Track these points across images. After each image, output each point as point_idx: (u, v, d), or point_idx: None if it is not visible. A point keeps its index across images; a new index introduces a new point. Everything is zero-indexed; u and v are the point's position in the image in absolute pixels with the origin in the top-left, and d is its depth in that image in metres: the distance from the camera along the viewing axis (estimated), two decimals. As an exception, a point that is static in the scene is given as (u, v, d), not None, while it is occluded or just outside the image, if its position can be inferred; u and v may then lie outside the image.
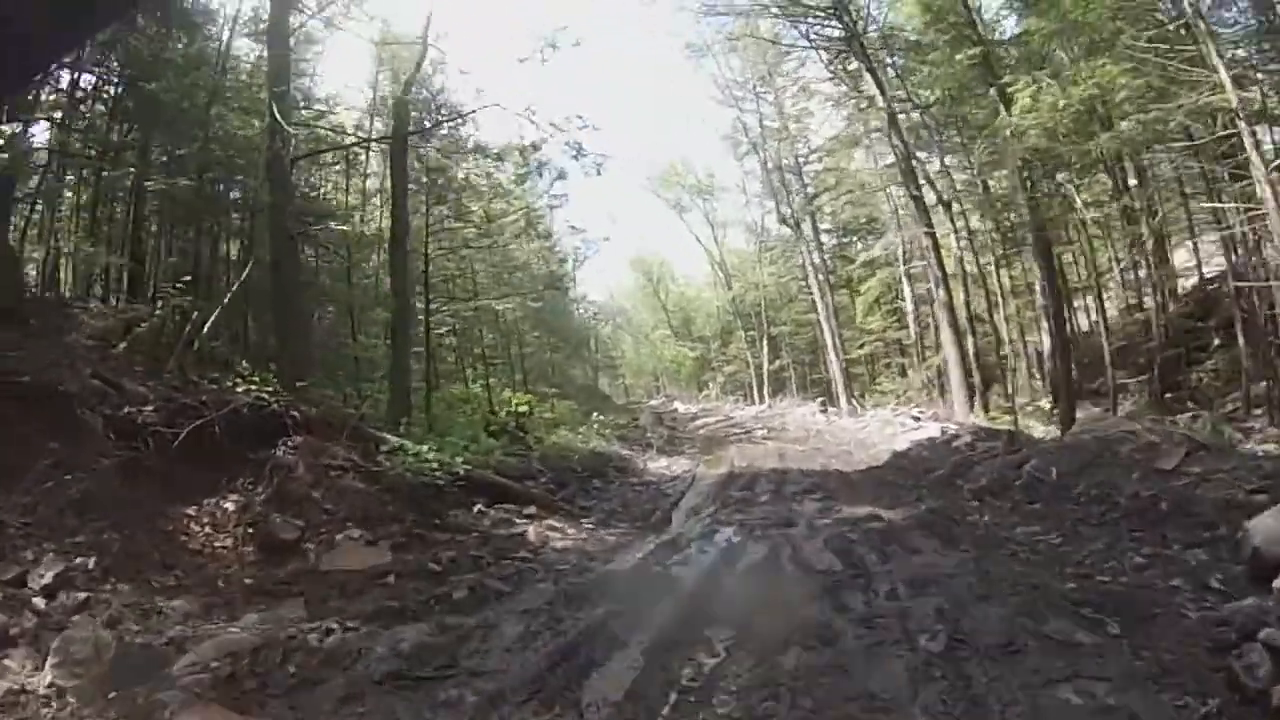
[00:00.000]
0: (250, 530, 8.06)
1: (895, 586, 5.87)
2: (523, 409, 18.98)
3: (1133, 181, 19.62)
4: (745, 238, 48.88)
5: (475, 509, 11.24)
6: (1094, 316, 21.10)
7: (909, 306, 32.64)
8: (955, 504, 10.27)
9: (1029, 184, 17.18)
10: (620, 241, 63.49)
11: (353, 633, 5.30)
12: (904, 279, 32.74)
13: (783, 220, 36.43)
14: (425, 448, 11.41)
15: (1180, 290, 20.96)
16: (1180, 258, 21.28)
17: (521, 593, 6.49)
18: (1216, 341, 17.82)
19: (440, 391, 17.74)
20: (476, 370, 32.22)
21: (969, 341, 22.00)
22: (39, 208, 15.98)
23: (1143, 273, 22.32)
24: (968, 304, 25.65)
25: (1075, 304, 23.72)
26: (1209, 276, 20.19)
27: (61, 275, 16.65)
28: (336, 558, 7.46)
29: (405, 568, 7.31)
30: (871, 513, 9.48)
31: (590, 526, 10.98)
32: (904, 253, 33.26)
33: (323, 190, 22.73)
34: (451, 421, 16.63)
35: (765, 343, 43.72)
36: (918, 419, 20.98)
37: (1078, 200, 17.79)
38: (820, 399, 31.80)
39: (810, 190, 38.23)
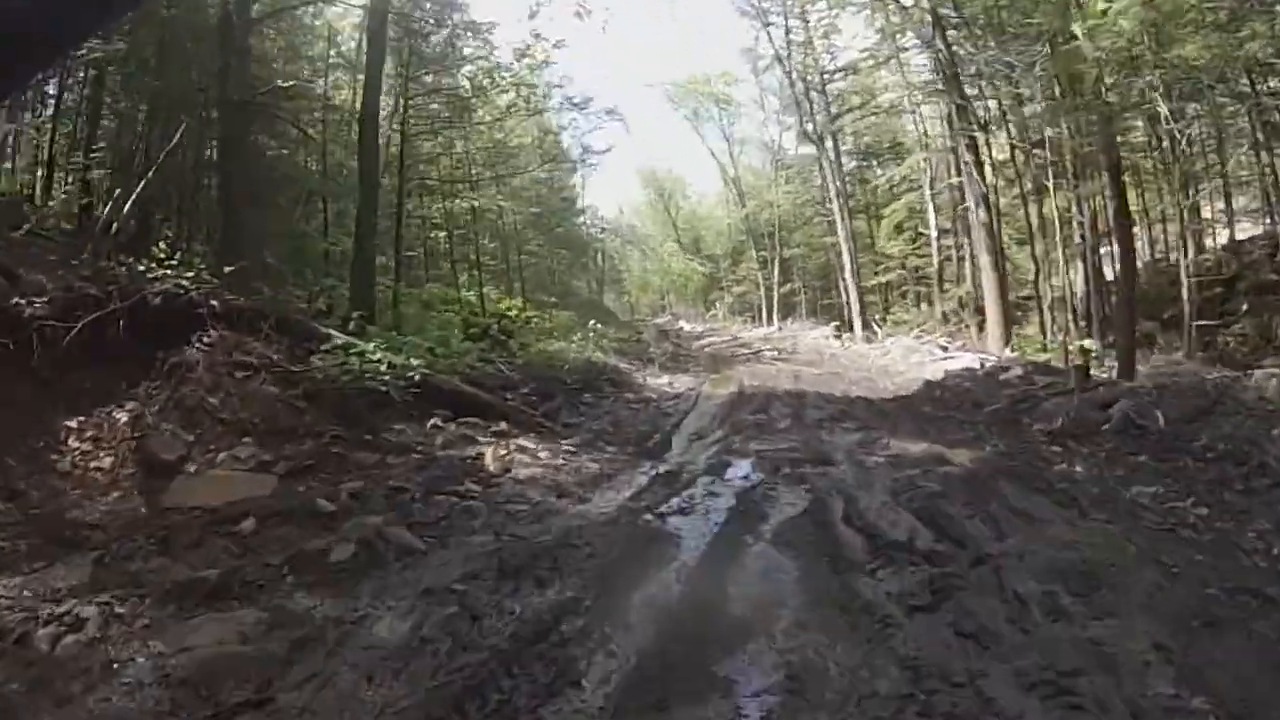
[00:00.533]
0: (134, 447, 5.91)
1: (1043, 585, 3.60)
2: (510, 312, 16.62)
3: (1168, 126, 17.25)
4: (761, 157, 45.80)
5: (430, 423, 9.15)
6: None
7: (933, 234, 30.01)
8: (1029, 447, 8.04)
9: (1103, 90, 14.41)
10: (632, 156, 60.43)
11: (124, 623, 3.06)
12: (929, 204, 30.08)
13: (805, 135, 33.38)
14: (372, 345, 9.20)
15: (1210, 249, 19.88)
16: (1208, 215, 20.56)
17: (440, 552, 4.31)
18: (1245, 306, 16.54)
19: (421, 290, 15.28)
20: (472, 276, 29.92)
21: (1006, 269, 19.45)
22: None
23: (1172, 226, 21.30)
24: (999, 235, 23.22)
25: (1102, 250, 21.72)
26: (1240, 239, 19.40)
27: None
28: (194, 487, 5.24)
29: (281, 506, 5.06)
30: (933, 451, 7.27)
31: (570, 450, 8.80)
32: (931, 177, 30.59)
33: (297, 66, 19.76)
34: (425, 322, 14.31)
35: (777, 264, 41.09)
36: (945, 348, 18.64)
37: (1163, 107, 15.07)
38: (834, 323, 29.41)
39: (833, 110, 35.16)
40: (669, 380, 16.68)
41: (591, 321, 19.41)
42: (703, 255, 51.11)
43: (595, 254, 46.97)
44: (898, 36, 28.57)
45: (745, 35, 37.87)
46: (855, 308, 28.10)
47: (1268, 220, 20.25)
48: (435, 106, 22.77)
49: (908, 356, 18.05)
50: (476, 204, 24.29)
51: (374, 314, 13.18)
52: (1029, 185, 24.21)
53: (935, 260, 29.49)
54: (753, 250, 43.09)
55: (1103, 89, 15.05)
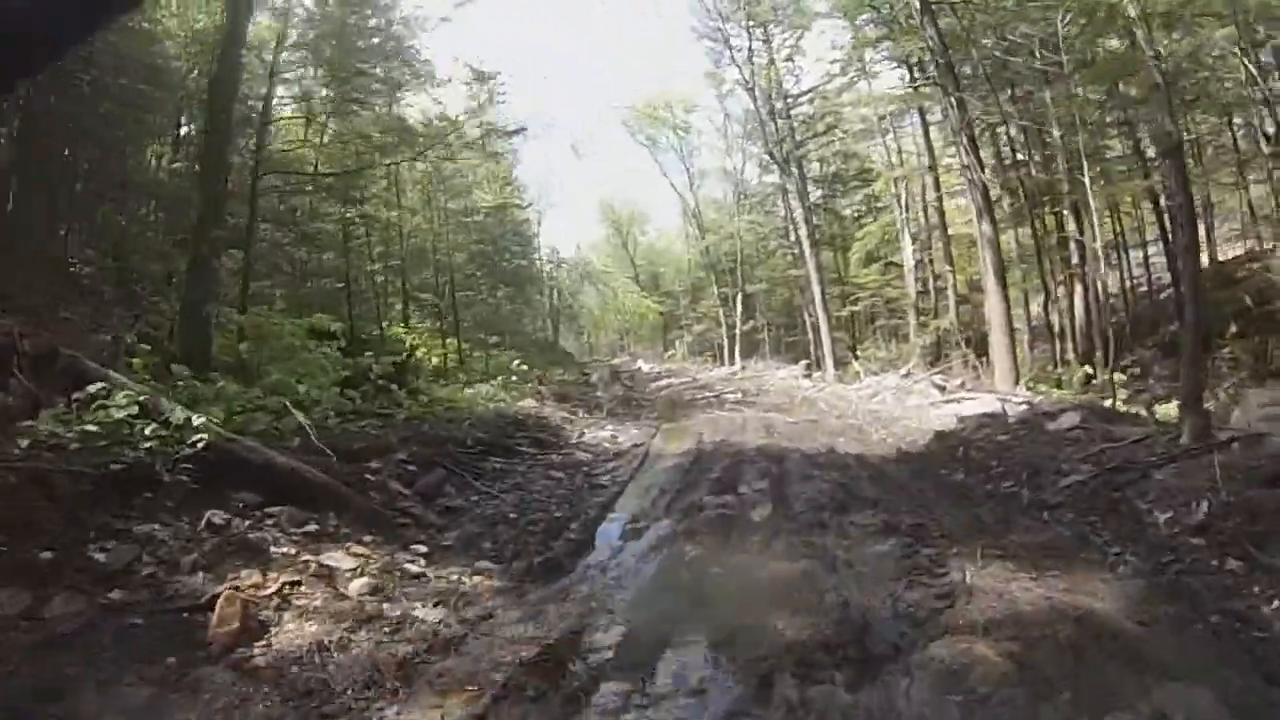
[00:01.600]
0: None
1: None
2: (409, 349, 13.00)
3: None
4: (723, 188, 42.87)
5: (206, 517, 5.49)
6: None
7: (908, 262, 26.99)
8: (1191, 570, 4.58)
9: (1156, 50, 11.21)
10: (592, 195, 57.37)
11: None
12: (904, 230, 27.09)
13: (771, 157, 30.34)
14: (135, 393, 5.73)
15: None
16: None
17: None
18: (1234, 328, 15.10)
19: (300, 321, 11.55)
20: (406, 311, 26.27)
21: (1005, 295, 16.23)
22: None
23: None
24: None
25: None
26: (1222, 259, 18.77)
27: None
28: None
29: None
30: (1065, 605, 3.74)
31: (415, 569, 5.25)
32: (905, 200, 27.69)
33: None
34: (296, 361, 10.64)
35: (739, 301, 37.89)
36: (943, 387, 15.32)
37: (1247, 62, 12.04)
38: (803, 362, 26.12)
39: (798, 136, 32.32)
40: (612, 433, 13.15)
41: (515, 361, 15.78)
42: (661, 292, 47.91)
43: (550, 292, 43.53)
44: (869, 52, 25.86)
45: (708, 60, 34.73)
46: (826, 343, 24.83)
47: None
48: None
49: (901, 399, 14.69)
50: (363, 209, 20.27)
51: (206, 349, 9.52)
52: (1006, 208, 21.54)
53: (911, 290, 26.40)
54: (714, 286, 39.98)
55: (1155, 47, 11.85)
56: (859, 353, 29.00)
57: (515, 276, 32.36)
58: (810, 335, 35.21)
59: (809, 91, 32.21)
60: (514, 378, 14.87)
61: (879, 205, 32.07)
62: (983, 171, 16.80)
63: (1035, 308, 23.44)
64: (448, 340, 23.90)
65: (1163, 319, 17.96)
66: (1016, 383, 14.84)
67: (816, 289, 25.28)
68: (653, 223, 52.74)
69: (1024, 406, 11.78)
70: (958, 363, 18.57)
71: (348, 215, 20.76)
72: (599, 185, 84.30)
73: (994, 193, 17.30)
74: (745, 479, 8.23)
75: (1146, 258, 21.81)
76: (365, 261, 23.88)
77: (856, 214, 33.86)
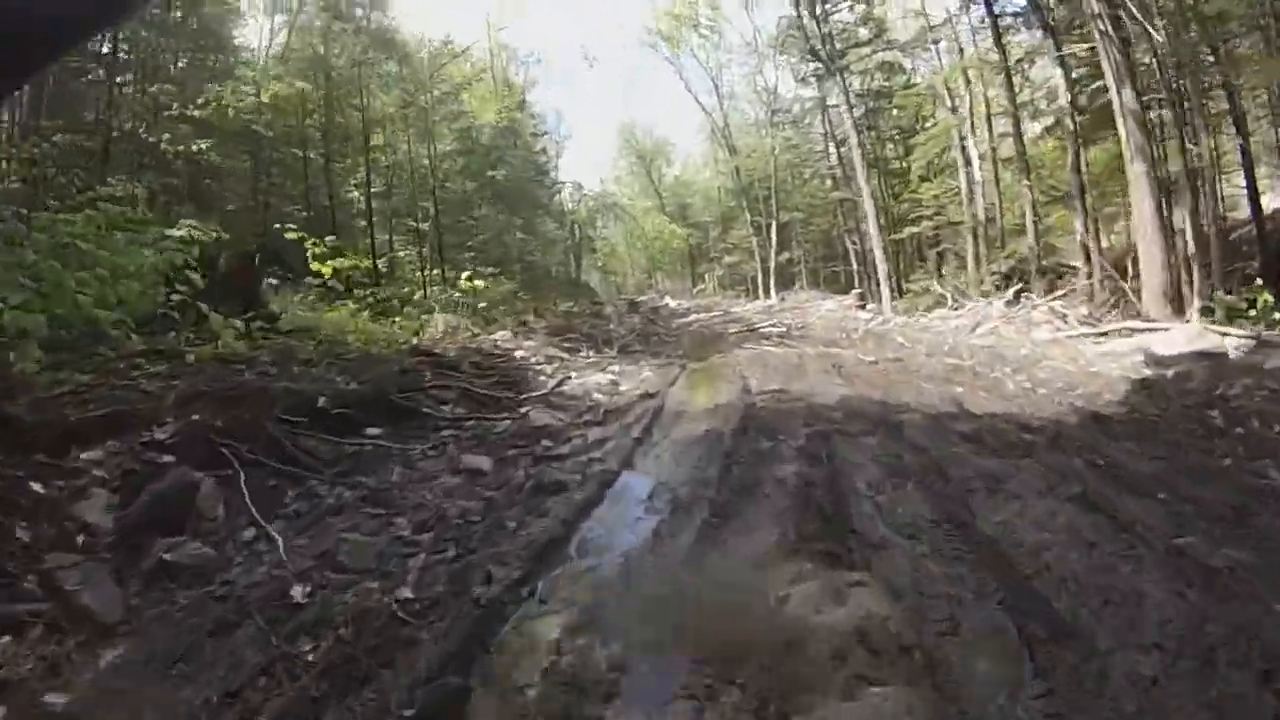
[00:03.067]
0: None
1: None
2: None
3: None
4: (753, 111, 37.43)
5: None
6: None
7: (975, 173, 21.95)
8: None
9: None
10: (611, 125, 51.74)
11: None
12: (968, 138, 21.96)
13: (813, 56, 25.07)
14: None
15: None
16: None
17: None
18: None
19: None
20: (391, 239, 22.01)
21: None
22: None
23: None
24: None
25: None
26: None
27: None
28: None
29: None
30: None
31: None
32: (970, 105, 22.47)
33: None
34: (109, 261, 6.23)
35: (774, 229, 33.02)
36: (1064, 316, 10.70)
37: None
38: (855, 291, 21.32)
39: (839, 45, 27.15)
40: (613, 378, 8.81)
41: (464, 276, 11.41)
42: (689, 224, 42.94)
43: (571, 225, 38.76)
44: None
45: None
46: (882, 270, 20.06)
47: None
48: None
49: (1024, 333, 10.06)
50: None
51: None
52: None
53: (978, 208, 21.43)
54: (746, 214, 34.99)
55: None
56: (908, 284, 24.42)
57: (519, 198, 27.68)
58: (856, 265, 30.53)
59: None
60: (482, 304, 10.44)
61: (929, 124, 27.10)
62: (1119, 24, 11.85)
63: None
64: (431, 270, 19.56)
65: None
66: (1180, 311, 10.18)
67: (870, 207, 20.38)
68: (678, 151, 47.47)
69: (1249, 341, 7.20)
70: (1085, 286, 13.66)
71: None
72: (621, 113, 78.01)
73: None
74: (853, 477, 3.86)
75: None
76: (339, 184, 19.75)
77: (902, 134, 28.77)
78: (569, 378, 8.40)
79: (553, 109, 38.29)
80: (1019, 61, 20.99)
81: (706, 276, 41.70)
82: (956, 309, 13.59)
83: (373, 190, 20.81)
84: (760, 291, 32.62)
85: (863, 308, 18.53)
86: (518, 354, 9.28)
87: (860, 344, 11.94)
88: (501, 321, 12.00)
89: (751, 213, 34.77)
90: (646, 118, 58.17)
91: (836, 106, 31.25)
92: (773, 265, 32.96)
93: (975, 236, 21.02)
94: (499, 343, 9.59)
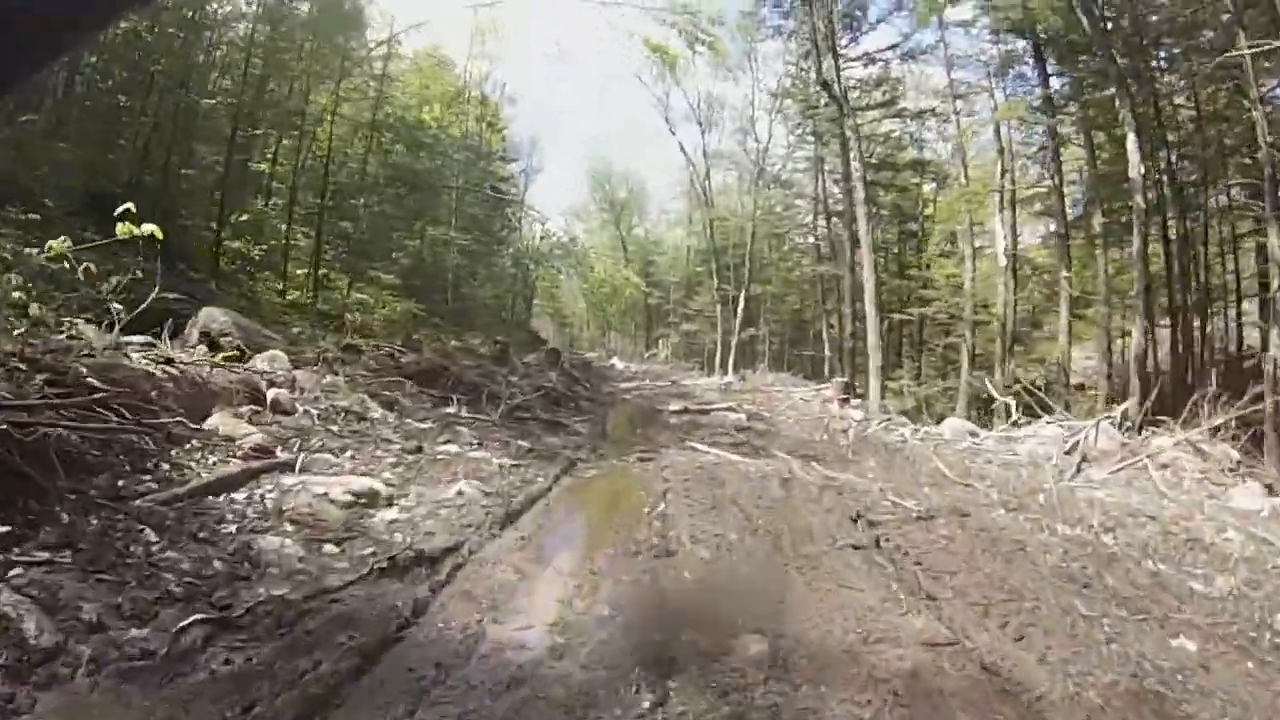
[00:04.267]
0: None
1: None
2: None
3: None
4: (739, 170, 33.11)
5: None
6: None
7: (1000, 249, 17.86)
8: None
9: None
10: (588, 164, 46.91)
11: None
12: (997, 207, 17.80)
13: (825, 88, 20.93)
14: None
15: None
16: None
17: None
18: None
19: None
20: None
21: None
22: None
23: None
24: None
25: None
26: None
27: None
28: None
29: None
30: None
31: None
32: (1002, 167, 18.37)
33: None
34: None
35: (742, 301, 28.76)
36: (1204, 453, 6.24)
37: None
38: (838, 380, 16.79)
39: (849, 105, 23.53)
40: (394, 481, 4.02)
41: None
42: (652, 283, 38.62)
43: (525, 263, 33.90)
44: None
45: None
46: (874, 359, 15.58)
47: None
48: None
49: (1196, 496, 5.49)
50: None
51: None
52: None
53: (1007, 291, 17.27)
54: (714, 279, 30.62)
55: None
56: (887, 382, 20.16)
57: (467, 218, 22.99)
58: (829, 352, 26.34)
59: (865, 55, 23.62)
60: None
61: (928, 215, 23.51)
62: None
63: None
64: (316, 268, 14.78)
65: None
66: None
67: (870, 279, 16.00)
68: (652, 206, 43.16)
69: None
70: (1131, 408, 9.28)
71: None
72: (597, 150, 72.87)
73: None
74: None
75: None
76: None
77: (899, 215, 25.11)
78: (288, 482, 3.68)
79: (528, 137, 33.74)
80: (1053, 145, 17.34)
81: (661, 342, 37.18)
82: (1014, 425, 9.07)
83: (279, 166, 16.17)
84: (717, 367, 28.13)
85: (846, 402, 14.05)
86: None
87: (860, 461, 7.44)
88: (316, 346, 7.27)
89: (720, 279, 30.49)
90: (625, 163, 52.87)
91: (833, 172, 27.67)
92: (735, 340, 28.63)
93: (1004, 331, 16.91)
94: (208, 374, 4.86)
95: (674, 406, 12.46)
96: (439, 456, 5.30)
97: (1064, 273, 15.27)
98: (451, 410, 7.62)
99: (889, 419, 11.53)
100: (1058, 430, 7.82)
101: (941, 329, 20.60)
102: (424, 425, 6.41)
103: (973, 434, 9.06)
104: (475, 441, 6.15)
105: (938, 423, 11.41)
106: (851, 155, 18.20)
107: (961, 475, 6.34)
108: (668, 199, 41.54)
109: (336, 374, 6.92)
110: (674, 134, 33.55)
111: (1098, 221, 14.91)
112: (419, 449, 5.37)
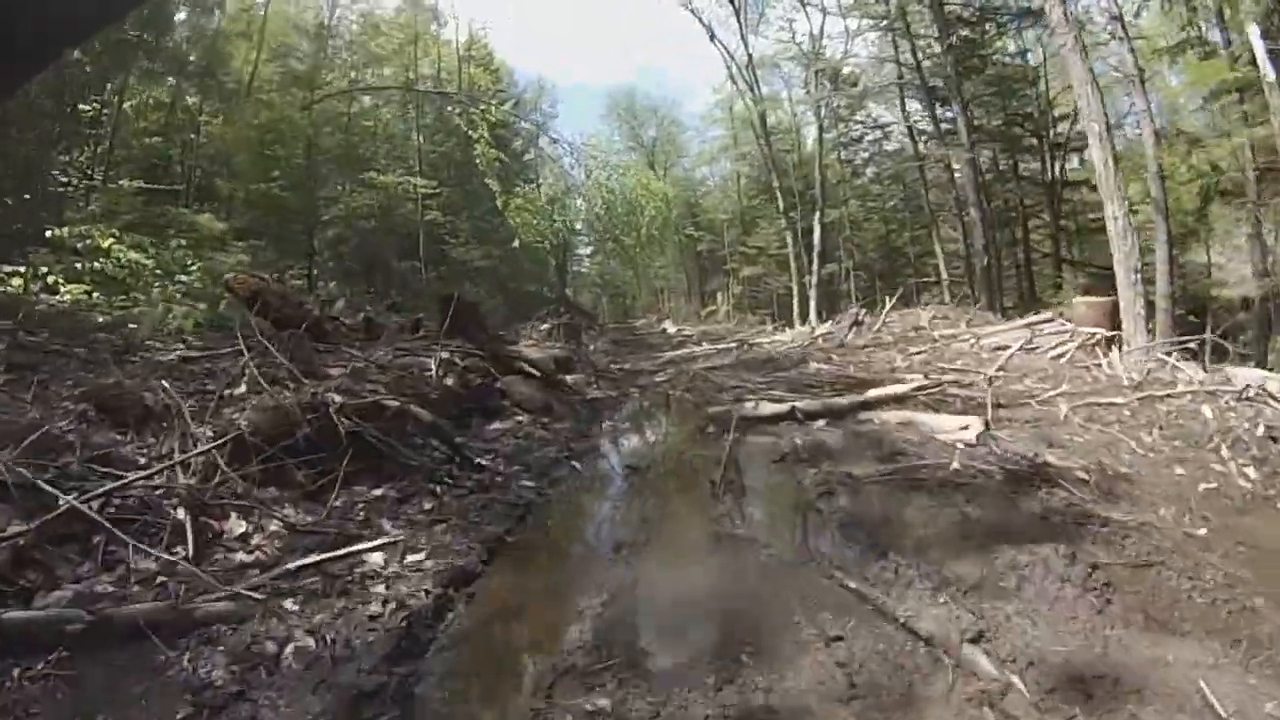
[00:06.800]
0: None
1: None
2: None
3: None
4: (784, 83, 24.87)
5: None
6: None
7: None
8: None
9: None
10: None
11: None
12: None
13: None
14: None
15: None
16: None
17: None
18: None
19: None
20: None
21: None
22: None
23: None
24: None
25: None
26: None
27: None
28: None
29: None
30: None
31: None
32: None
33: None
34: None
35: (817, 224, 20.82)
36: None
37: None
38: (1097, 301, 8.77)
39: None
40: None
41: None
42: (698, 227, 30.79)
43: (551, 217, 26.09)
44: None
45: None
46: (1163, 280, 7.78)
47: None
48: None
49: None
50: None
51: None
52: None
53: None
54: (777, 197, 22.40)
55: None
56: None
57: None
58: (946, 274, 18.55)
59: None
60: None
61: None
62: None
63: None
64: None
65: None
66: None
67: (1104, 161, 7.89)
68: (689, 136, 34.83)
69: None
70: None
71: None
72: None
73: None
74: None
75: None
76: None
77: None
78: None
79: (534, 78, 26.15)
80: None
81: (720, 295, 29.27)
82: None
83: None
84: (798, 314, 20.39)
85: (1112, 344, 6.48)
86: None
87: None
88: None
89: (785, 202, 22.35)
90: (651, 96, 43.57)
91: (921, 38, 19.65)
92: (814, 280, 20.78)
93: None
94: None
95: (765, 406, 5.17)
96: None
97: None
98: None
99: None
100: None
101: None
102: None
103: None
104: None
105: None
106: None
107: None
108: (704, 128, 33.09)
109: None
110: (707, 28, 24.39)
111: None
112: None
